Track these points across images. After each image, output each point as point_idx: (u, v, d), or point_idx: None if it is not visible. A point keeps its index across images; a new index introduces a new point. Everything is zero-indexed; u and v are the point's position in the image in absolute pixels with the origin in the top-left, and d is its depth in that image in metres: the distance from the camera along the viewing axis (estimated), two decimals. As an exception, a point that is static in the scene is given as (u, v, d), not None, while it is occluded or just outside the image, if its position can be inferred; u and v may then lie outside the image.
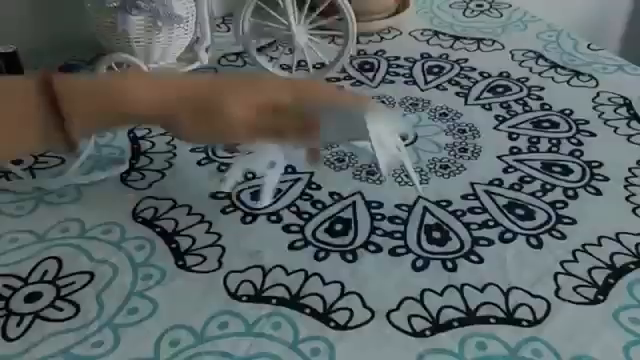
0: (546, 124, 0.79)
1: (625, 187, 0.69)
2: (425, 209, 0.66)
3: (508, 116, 0.81)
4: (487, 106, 0.82)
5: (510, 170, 0.72)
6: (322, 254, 0.61)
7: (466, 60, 0.93)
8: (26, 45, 0.87)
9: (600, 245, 0.62)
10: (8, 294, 0.58)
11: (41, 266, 0.60)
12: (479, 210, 0.66)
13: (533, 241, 0.62)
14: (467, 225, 0.64)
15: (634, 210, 0.66)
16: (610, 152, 0.74)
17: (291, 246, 0.62)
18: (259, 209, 0.66)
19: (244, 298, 0.57)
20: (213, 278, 0.59)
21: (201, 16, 0.82)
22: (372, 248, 0.62)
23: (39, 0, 0.91)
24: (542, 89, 0.86)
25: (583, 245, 0.62)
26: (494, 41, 0.98)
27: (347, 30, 0.84)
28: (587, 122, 0.79)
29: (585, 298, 0.57)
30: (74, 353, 0.53)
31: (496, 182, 0.70)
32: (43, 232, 0.64)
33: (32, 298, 0.57)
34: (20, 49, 0.78)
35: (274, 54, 0.92)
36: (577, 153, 0.74)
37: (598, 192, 0.68)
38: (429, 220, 0.65)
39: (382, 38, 0.99)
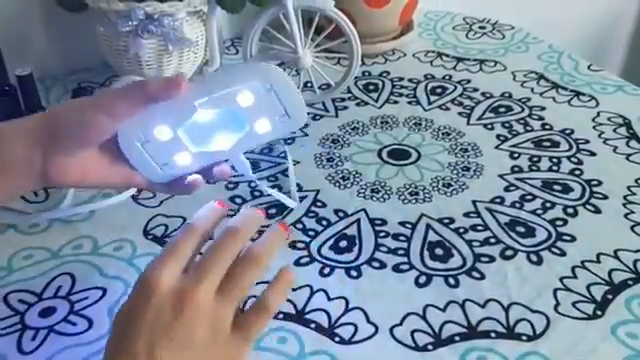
0: (547, 143, 0.81)
1: (624, 205, 0.70)
2: (428, 226, 0.68)
3: (510, 136, 0.82)
4: (489, 126, 0.84)
5: (511, 188, 0.73)
6: (327, 270, 0.63)
7: (469, 81, 0.95)
8: (41, 68, 0.90)
9: (599, 262, 0.64)
10: (23, 309, 0.59)
11: (55, 282, 0.62)
12: (481, 228, 0.68)
13: (533, 258, 0.64)
14: (469, 242, 0.66)
15: (632, 227, 0.68)
16: (609, 171, 0.76)
17: (297, 262, 0.64)
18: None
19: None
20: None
21: (210, 39, 0.85)
22: (376, 265, 0.64)
23: (53, 24, 0.93)
24: (543, 109, 0.88)
25: (582, 262, 0.64)
26: (496, 62, 1.00)
27: (352, 52, 0.86)
28: (587, 141, 0.81)
29: (584, 313, 0.58)
30: (87, 366, 0.54)
31: (497, 200, 0.72)
32: (57, 249, 0.66)
33: (46, 313, 0.59)
34: (35, 72, 0.80)
35: (281, 75, 0.95)
36: (577, 172, 0.76)
37: (597, 210, 0.70)
38: (432, 237, 0.67)
39: (386, 60, 1.01)
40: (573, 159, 0.78)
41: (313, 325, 0.57)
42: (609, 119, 0.85)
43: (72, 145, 0.50)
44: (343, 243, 0.66)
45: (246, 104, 0.50)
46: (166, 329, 0.44)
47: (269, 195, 0.71)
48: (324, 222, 0.69)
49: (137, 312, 0.44)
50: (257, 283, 0.48)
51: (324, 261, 0.64)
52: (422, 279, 0.62)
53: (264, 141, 0.54)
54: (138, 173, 0.55)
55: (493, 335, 0.56)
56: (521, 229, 0.68)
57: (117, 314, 0.46)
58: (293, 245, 0.66)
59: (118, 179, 0.55)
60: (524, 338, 0.56)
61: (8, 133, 0.50)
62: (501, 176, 0.75)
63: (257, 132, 0.52)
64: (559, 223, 0.68)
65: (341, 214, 0.70)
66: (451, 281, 0.62)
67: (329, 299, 0.60)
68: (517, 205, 0.71)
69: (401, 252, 0.65)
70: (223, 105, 0.50)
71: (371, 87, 0.94)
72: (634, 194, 0.72)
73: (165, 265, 0.46)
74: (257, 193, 0.73)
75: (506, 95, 0.91)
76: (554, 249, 0.65)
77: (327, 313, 0.59)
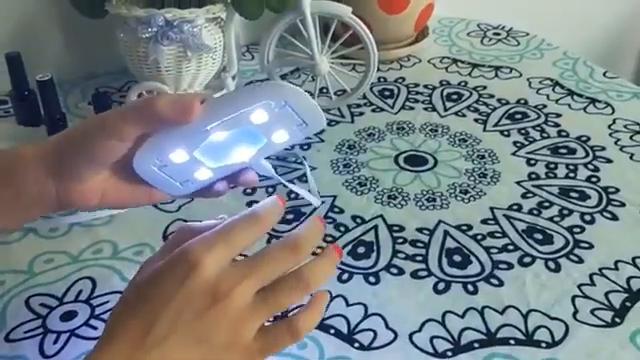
0: (563, 150, 0.81)
1: (641, 212, 0.71)
2: (446, 233, 0.68)
3: (526, 142, 0.83)
4: (505, 132, 0.85)
5: (529, 195, 0.73)
6: (345, 276, 0.63)
7: (484, 87, 0.95)
8: (61, 73, 0.91)
9: (617, 269, 0.64)
10: (45, 313, 0.60)
11: (76, 286, 0.63)
12: (499, 234, 0.68)
13: (551, 265, 0.64)
14: (487, 249, 0.66)
15: (650, 235, 0.68)
16: (626, 178, 0.76)
17: (316, 268, 0.64)
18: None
19: (271, 318, 0.59)
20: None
21: (228, 46, 0.85)
22: (394, 271, 0.64)
23: (72, 30, 0.94)
24: (559, 116, 0.88)
25: (600, 269, 0.64)
26: (511, 69, 1.00)
27: (368, 58, 0.87)
28: (603, 148, 0.81)
29: (602, 321, 0.58)
30: (109, 370, 0.55)
31: (515, 207, 0.72)
32: (77, 253, 0.67)
33: (68, 317, 0.59)
34: (55, 77, 0.81)
35: (297, 81, 0.95)
36: (594, 179, 0.76)
37: (614, 217, 0.70)
38: (450, 244, 0.67)
39: (402, 66, 1.01)
40: (590, 166, 0.78)
41: (332, 331, 0.58)
42: (625, 126, 0.85)
43: (81, 170, 0.48)
44: (361, 249, 0.66)
45: (260, 121, 0.49)
46: (189, 319, 0.42)
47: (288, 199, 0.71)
48: (342, 228, 0.69)
49: (166, 287, 0.41)
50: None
51: (342, 267, 0.64)
52: (440, 285, 0.62)
53: (283, 147, 0.54)
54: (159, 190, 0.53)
55: (512, 342, 0.56)
56: (539, 236, 0.68)
57: (139, 280, 0.42)
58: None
59: (140, 198, 0.52)
60: (543, 345, 0.56)
61: (24, 160, 0.48)
62: (518, 183, 0.75)
63: (275, 142, 0.52)
64: (577, 230, 0.68)
65: (359, 220, 0.70)
66: (470, 288, 0.62)
67: (348, 305, 0.60)
68: (534, 212, 0.71)
69: (419, 258, 0.65)
70: (237, 126, 0.49)
71: (387, 93, 0.94)
72: (652, 202, 0.72)
73: (213, 247, 0.43)
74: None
75: (522, 102, 0.91)
76: (572, 256, 0.65)
77: (346, 319, 0.59)
